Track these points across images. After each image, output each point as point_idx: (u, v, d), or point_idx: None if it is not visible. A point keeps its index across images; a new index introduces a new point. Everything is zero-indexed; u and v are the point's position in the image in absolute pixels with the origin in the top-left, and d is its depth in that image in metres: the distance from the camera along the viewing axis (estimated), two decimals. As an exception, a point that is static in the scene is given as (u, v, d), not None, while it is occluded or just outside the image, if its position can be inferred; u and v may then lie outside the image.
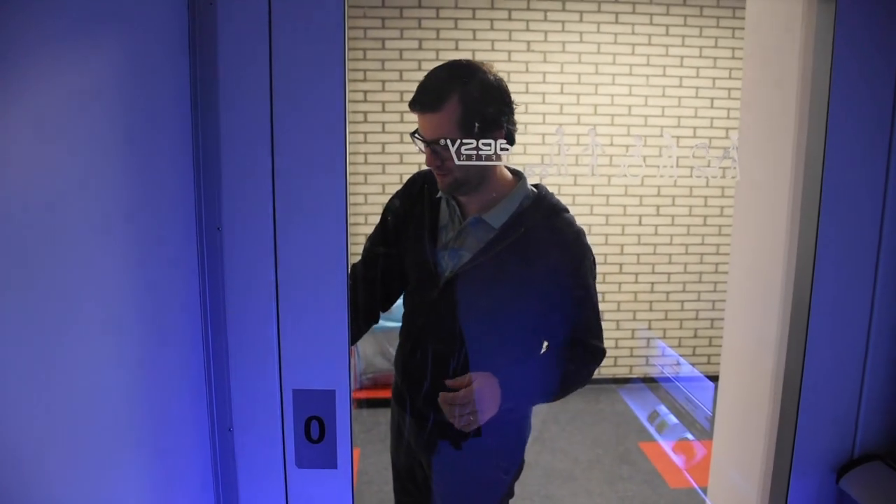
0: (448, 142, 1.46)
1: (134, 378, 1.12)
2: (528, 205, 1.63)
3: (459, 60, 1.58)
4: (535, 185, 1.68)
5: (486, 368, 1.62)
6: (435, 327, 1.72)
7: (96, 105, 1.02)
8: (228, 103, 1.23)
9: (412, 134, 1.56)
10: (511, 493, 1.90)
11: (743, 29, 1.74)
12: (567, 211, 1.67)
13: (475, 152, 1.49)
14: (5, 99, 0.83)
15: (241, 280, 1.29)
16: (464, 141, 1.47)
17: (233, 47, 1.22)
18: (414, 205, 1.74)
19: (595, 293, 1.66)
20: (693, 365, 4.89)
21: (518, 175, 1.67)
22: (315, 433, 1.27)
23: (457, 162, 1.49)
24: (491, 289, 1.64)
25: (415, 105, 1.54)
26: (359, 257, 1.82)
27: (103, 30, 1.03)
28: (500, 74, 1.57)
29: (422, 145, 1.55)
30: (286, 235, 1.26)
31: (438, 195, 1.67)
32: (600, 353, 1.69)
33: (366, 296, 1.77)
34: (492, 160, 1.55)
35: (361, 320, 1.75)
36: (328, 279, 1.27)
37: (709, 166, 1.53)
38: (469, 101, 1.50)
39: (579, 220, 1.65)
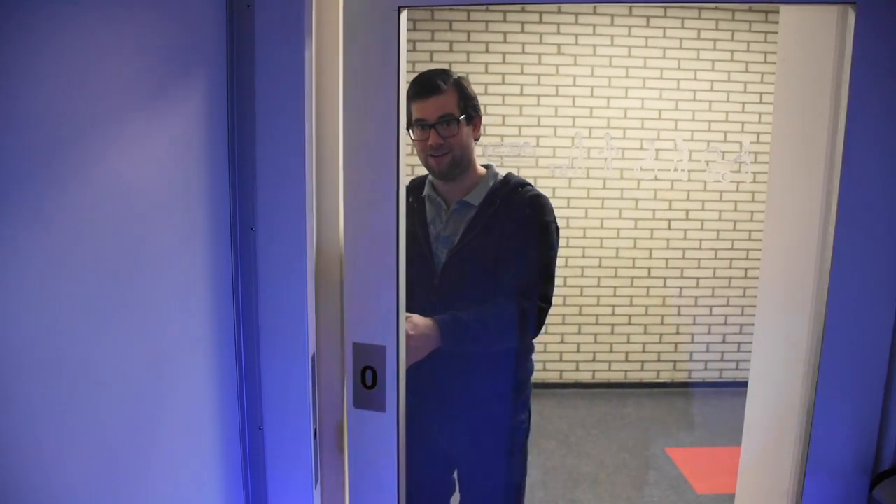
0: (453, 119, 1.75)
1: (173, 374, 1.14)
2: (498, 184, 1.88)
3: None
4: (506, 174, 1.94)
5: None
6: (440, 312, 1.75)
7: (133, 106, 1.04)
8: (264, 105, 1.25)
9: (408, 128, 1.75)
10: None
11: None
12: (530, 184, 1.91)
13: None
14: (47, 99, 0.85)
15: (274, 280, 1.32)
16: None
17: (269, 49, 1.24)
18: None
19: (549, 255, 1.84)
20: (721, 370, 4.86)
21: (488, 166, 1.92)
22: (369, 380, 1.44)
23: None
24: (483, 263, 1.82)
25: (420, 93, 1.75)
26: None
27: (142, 29, 1.05)
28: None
29: (420, 133, 1.77)
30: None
31: (424, 194, 1.91)
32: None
33: None
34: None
35: None
36: (381, 255, 1.37)
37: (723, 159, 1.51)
38: (461, 89, 1.79)
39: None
